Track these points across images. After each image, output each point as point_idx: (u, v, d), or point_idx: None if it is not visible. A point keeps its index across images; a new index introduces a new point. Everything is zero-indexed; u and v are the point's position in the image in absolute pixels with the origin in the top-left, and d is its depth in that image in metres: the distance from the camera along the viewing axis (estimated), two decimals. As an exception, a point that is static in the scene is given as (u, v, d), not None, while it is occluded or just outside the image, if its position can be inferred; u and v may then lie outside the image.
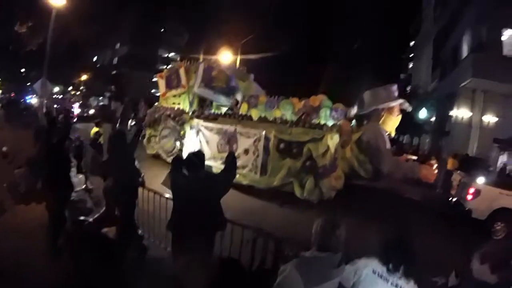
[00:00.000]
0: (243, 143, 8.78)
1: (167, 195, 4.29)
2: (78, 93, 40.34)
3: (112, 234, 4.39)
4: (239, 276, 2.22)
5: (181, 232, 3.12)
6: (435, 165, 10.46)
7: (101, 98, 42.35)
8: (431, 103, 23.08)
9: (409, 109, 9.20)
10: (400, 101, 8.68)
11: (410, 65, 38.40)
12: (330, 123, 8.91)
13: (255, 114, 10.03)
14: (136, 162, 4.74)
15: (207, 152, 9.33)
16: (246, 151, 8.72)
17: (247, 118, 9.27)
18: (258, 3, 30.09)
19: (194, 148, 9.72)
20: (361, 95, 9.22)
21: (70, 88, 40.00)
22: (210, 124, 9.48)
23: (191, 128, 9.89)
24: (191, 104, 10.98)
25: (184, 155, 8.87)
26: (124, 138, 4.56)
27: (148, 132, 11.40)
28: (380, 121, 8.92)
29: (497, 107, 17.89)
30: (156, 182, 4.73)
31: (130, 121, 16.01)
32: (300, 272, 1.98)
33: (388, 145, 8.58)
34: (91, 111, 28.98)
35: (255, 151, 8.61)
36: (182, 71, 10.92)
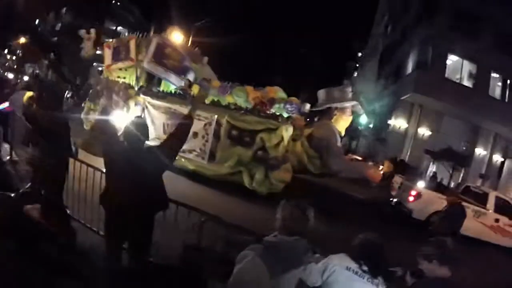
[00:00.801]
0: (192, 126, 8.11)
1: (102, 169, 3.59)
2: (14, 57, 35.81)
3: (36, 213, 3.64)
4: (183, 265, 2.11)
5: (116, 209, 2.72)
6: (381, 166, 10.79)
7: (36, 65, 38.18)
8: (371, 111, 24.29)
9: (361, 112, 9.29)
10: (353, 103, 8.72)
11: (355, 74, 40.40)
12: (284, 115, 8.62)
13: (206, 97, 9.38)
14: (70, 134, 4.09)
15: (151, 131, 8.51)
16: (195, 134, 8.10)
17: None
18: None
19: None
20: (317, 92, 9.10)
21: (6, 51, 35.38)
22: (157, 102, 8.67)
23: (135, 104, 8.98)
24: (137, 79, 10.00)
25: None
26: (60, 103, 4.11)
27: (87, 105, 10.19)
28: (332, 120, 8.83)
29: (432, 122, 19.35)
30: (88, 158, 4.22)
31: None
32: (264, 259, 1.81)
33: (339, 144, 8.56)
34: (25, 78, 25.96)
35: (204, 135, 8.05)
36: (132, 44, 9.86)
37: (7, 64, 32.75)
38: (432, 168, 19.53)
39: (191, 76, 9.96)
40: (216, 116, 7.91)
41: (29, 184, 3.99)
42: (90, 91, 10.45)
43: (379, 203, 9.36)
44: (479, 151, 20.01)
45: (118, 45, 10.39)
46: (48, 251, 3.33)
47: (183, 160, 8.20)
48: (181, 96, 8.70)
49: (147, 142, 2.92)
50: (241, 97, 9.14)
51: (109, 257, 2.91)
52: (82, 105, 11.47)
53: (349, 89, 9.05)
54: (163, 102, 8.58)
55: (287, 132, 7.70)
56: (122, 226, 2.70)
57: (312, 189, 9.37)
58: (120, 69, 10.39)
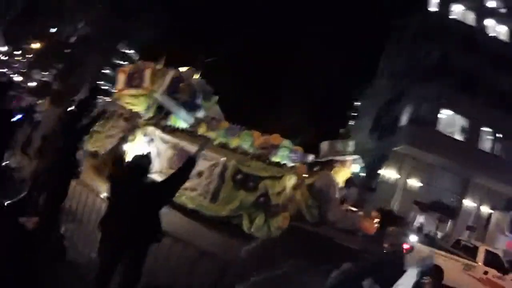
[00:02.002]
0: (198, 165, 8.11)
1: (102, 195, 3.85)
2: (24, 60, 35.81)
3: (30, 226, 3.74)
4: None
5: (112, 235, 2.87)
6: (376, 219, 10.80)
7: (45, 73, 38.23)
8: (363, 160, 24.50)
9: (362, 165, 9.40)
10: (356, 157, 8.81)
11: (351, 122, 41.24)
12: (288, 163, 8.69)
13: (214, 137, 9.43)
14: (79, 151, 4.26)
15: (156, 164, 8.49)
16: (200, 174, 8.09)
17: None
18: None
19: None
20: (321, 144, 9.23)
21: (19, 52, 35.42)
22: (166, 137, 8.71)
23: (145, 135, 8.97)
24: (148, 109, 10.06)
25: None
26: (76, 121, 4.16)
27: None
28: (332, 171, 8.91)
29: (422, 174, 19.65)
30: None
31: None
32: None
33: (337, 195, 8.57)
34: (33, 84, 26.00)
35: (209, 175, 8.04)
36: (148, 72, 10.00)
37: (16, 65, 32.75)
38: (420, 219, 19.61)
39: (200, 114, 10.05)
40: (224, 158, 7.94)
41: (25, 193, 4.01)
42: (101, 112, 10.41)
43: (372, 253, 9.31)
44: (468, 203, 20.37)
45: (133, 71, 10.52)
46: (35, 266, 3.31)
47: (183, 197, 8.14)
48: (191, 133, 8.76)
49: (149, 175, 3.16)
50: (248, 141, 9.26)
51: (97, 281, 2.98)
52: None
53: (352, 142, 9.18)
54: (172, 137, 8.59)
55: (290, 181, 7.74)
56: (115, 253, 2.81)
57: (307, 237, 9.28)
58: (132, 95, 10.47)
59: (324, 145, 9.36)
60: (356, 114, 40.05)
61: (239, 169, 7.83)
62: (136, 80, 10.29)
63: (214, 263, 3.33)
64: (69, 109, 12.96)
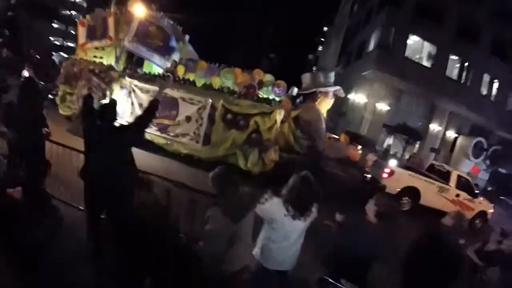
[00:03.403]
0: (185, 110, 7.90)
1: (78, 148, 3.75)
2: None
3: (18, 196, 3.70)
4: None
5: (92, 182, 3.01)
6: (359, 146, 11.35)
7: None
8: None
9: (343, 95, 9.52)
10: (338, 87, 8.90)
11: (319, 48, 40.79)
12: (271, 98, 8.61)
13: (193, 79, 9.03)
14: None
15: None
16: (188, 119, 7.89)
17: (189, 83, 8.28)
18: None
19: (125, 111, 8.38)
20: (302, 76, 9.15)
21: None
22: (146, 86, 8.22)
23: (121, 87, 8.42)
24: (117, 60, 9.32)
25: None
26: (36, 87, 4.07)
27: (62, 89, 9.34)
28: (316, 102, 8.99)
29: (390, 98, 20.24)
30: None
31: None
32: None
33: (323, 125, 8.77)
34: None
35: (198, 119, 7.86)
36: (111, 21, 9.07)
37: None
38: (388, 142, 20.70)
39: (176, 57, 9.46)
40: (210, 100, 7.70)
41: (7, 166, 3.86)
42: (62, 72, 9.53)
43: (356, 178, 9.92)
44: (434, 127, 21.33)
45: (94, 22, 9.53)
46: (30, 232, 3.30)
47: (175, 144, 8.00)
48: (169, 78, 8.28)
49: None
50: (230, 79, 8.94)
51: (90, 228, 3.13)
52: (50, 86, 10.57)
53: (332, 73, 9.18)
54: (152, 85, 8.12)
55: (280, 115, 7.77)
56: (99, 196, 2.94)
57: (295, 166, 9.61)
58: (97, 48, 9.60)
59: (306, 77, 9.31)
60: (324, 39, 39.67)
61: (228, 109, 7.67)
62: (99, 30, 9.35)
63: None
64: (26, 74, 11.83)
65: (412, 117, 20.46)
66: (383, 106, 20.39)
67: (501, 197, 17.58)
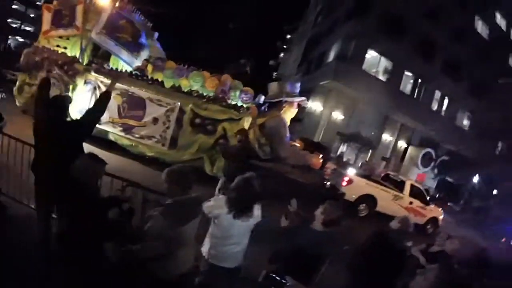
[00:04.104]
0: (152, 111, 7.78)
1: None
2: None
3: None
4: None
5: (43, 175, 2.99)
6: (320, 155, 11.87)
7: None
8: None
9: (307, 105, 9.95)
10: (303, 98, 9.30)
11: (281, 55, 41.55)
12: (239, 104, 8.77)
13: (161, 79, 8.89)
14: None
15: (104, 115, 7.83)
16: (155, 120, 7.79)
17: (158, 83, 8.15)
18: None
19: (86, 105, 8.03)
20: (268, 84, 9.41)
21: None
22: (112, 83, 7.91)
23: (86, 82, 8.06)
24: (82, 52, 8.89)
25: (72, 112, 7.24)
26: None
27: (20, 78, 8.69)
28: (281, 111, 9.31)
29: (346, 108, 21.29)
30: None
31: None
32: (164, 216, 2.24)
33: (288, 134, 9.11)
34: None
35: (165, 121, 7.77)
36: (79, 9, 8.59)
37: None
38: (342, 149, 21.80)
39: (145, 54, 9.23)
40: (179, 102, 7.67)
41: None
42: (22, 60, 8.88)
43: (317, 186, 10.42)
44: (386, 137, 22.76)
45: (61, 9, 8.95)
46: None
47: (140, 146, 7.85)
48: (138, 77, 8.10)
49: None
50: (198, 82, 8.94)
51: (40, 223, 3.06)
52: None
53: (298, 84, 9.55)
54: (119, 83, 7.87)
55: (247, 122, 7.95)
56: (49, 191, 2.85)
57: (258, 171, 9.88)
58: (61, 37, 9.05)
59: (274, 86, 9.62)
60: (286, 47, 40.45)
61: (197, 112, 7.69)
62: (65, 18, 8.80)
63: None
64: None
65: (366, 127, 21.56)
66: (338, 115, 21.40)
67: (449, 204, 19.40)
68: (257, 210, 2.76)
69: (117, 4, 8.84)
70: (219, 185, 5.86)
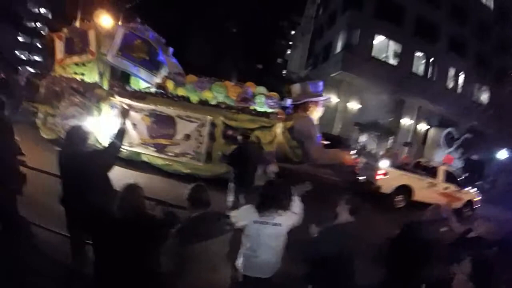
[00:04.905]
0: (183, 128, 7.60)
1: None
2: None
3: None
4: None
5: (69, 207, 3.01)
6: (352, 151, 11.62)
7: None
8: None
9: (331, 103, 9.71)
10: (327, 97, 9.07)
11: (288, 52, 41.26)
12: (265, 110, 8.56)
13: (184, 94, 8.71)
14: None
15: (135, 137, 7.71)
16: (187, 137, 7.60)
17: (183, 99, 7.97)
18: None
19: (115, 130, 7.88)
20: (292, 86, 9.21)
21: None
22: (138, 104, 7.76)
23: (111, 107, 7.91)
24: (100, 76, 8.75)
25: (103, 139, 7.10)
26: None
27: (42, 110, 8.59)
28: (308, 112, 9.07)
29: (360, 97, 20.92)
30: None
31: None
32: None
33: (317, 134, 8.87)
34: None
35: (198, 137, 7.58)
36: (92, 34, 8.44)
37: None
38: (362, 140, 21.41)
39: (164, 71, 9.04)
40: (209, 117, 7.48)
41: None
42: (41, 91, 8.79)
43: (352, 182, 10.16)
44: (404, 122, 22.22)
45: (72, 35, 8.85)
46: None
47: (175, 164, 7.68)
48: (163, 95, 7.93)
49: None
50: (221, 93, 8.76)
51: (74, 254, 3.11)
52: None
53: (321, 83, 9.30)
54: (144, 103, 7.71)
55: (279, 128, 7.74)
56: (79, 222, 2.79)
57: (293, 174, 9.66)
58: (76, 63, 8.93)
59: (297, 88, 9.38)
60: (291, 43, 40.16)
61: (228, 124, 7.50)
62: (78, 44, 8.68)
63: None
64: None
65: (383, 114, 21.13)
66: (353, 105, 21.08)
67: (476, 183, 18.83)
68: (287, 215, 2.67)
69: (130, 25, 8.69)
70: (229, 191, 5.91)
